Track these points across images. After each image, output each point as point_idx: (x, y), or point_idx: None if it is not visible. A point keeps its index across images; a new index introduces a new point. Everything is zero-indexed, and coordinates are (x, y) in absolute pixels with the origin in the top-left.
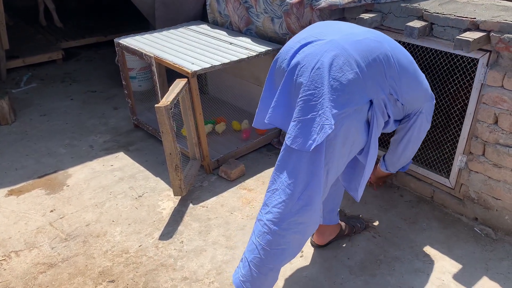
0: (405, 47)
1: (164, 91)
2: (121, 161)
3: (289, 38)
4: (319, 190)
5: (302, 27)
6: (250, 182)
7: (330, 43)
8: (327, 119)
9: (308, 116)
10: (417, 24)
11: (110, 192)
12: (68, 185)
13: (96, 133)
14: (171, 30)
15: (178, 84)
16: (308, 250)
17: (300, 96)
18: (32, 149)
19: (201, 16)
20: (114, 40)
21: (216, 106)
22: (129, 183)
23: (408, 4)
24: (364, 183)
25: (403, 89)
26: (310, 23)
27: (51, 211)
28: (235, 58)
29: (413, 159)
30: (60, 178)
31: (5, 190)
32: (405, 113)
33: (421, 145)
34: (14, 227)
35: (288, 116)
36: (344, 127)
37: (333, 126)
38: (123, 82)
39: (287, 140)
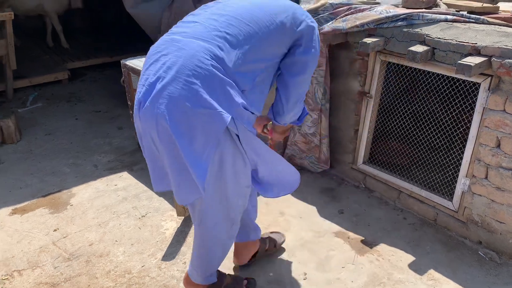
0: (408, 71)
1: None
2: (125, 180)
3: None
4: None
5: None
6: None
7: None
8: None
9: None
10: (419, 48)
11: (113, 212)
12: (72, 204)
13: (100, 153)
14: None
15: None
16: (311, 272)
17: None
18: (37, 167)
19: None
20: (121, 61)
21: None
22: (132, 203)
23: (410, 29)
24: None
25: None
26: None
27: (55, 230)
28: None
29: (416, 181)
30: (64, 197)
31: (9, 209)
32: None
33: (423, 167)
34: (17, 246)
35: None
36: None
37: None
38: (129, 103)
39: None
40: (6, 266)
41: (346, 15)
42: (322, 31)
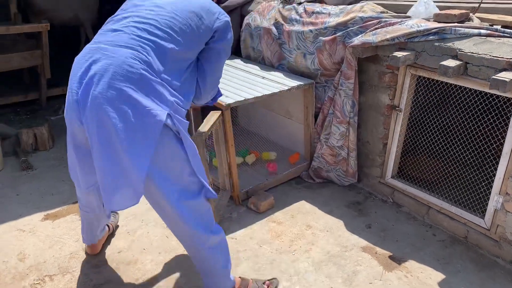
0: (439, 86)
1: (197, 122)
2: None
3: (321, 74)
4: None
5: (334, 63)
6: (279, 215)
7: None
8: None
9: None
10: (451, 63)
11: (141, 220)
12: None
13: None
14: None
15: (213, 116)
16: (338, 287)
17: None
18: (68, 175)
19: (234, 51)
20: None
21: (246, 137)
22: None
23: (442, 44)
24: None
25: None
26: (342, 60)
27: None
28: (267, 92)
29: (446, 197)
30: None
31: (42, 214)
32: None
33: (454, 183)
34: (49, 252)
35: None
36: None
37: None
38: None
39: None
40: (38, 270)
41: (376, 28)
42: (351, 44)
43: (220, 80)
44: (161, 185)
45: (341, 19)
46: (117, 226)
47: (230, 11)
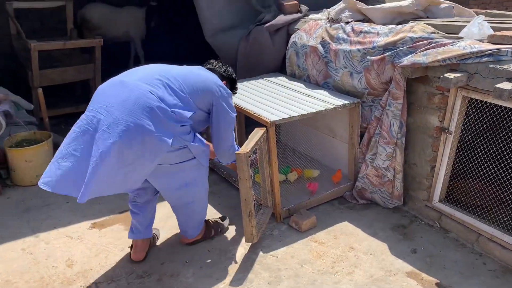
0: (493, 108)
1: (241, 138)
2: None
3: (368, 93)
4: None
5: (382, 83)
6: (321, 235)
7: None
8: None
9: None
10: (507, 86)
11: None
12: None
13: None
14: (251, 81)
15: (257, 133)
16: None
17: None
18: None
19: (279, 69)
20: None
21: (288, 154)
22: None
23: (497, 66)
24: None
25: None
26: (390, 80)
27: (129, 246)
28: (313, 110)
29: (498, 224)
30: None
31: (89, 223)
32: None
33: (507, 210)
34: (95, 259)
35: None
36: None
37: None
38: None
39: None
40: (84, 278)
41: (427, 49)
42: (401, 64)
43: (265, 97)
44: None
45: (390, 38)
46: (156, 240)
47: (277, 29)
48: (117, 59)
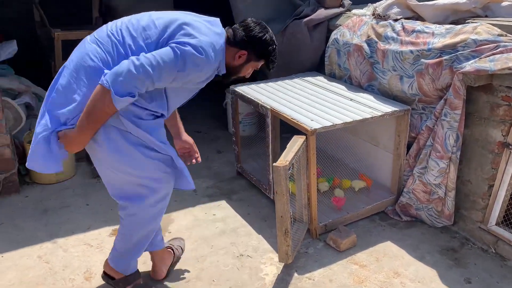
0: None
1: (275, 145)
2: (223, 211)
3: (419, 100)
4: None
5: (437, 90)
6: (362, 256)
7: None
8: None
9: None
10: None
11: (211, 246)
12: (170, 232)
13: (200, 177)
14: (286, 81)
15: (296, 142)
16: None
17: None
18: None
19: (317, 67)
20: (230, 87)
21: (324, 162)
22: (230, 238)
23: None
24: None
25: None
26: (447, 87)
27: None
28: (358, 117)
29: None
30: (163, 223)
31: (110, 229)
32: None
33: None
34: None
35: None
36: None
37: None
38: (233, 129)
39: None
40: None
41: (493, 54)
42: (462, 70)
43: (304, 99)
44: None
45: (448, 40)
46: (181, 252)
47: (316, 24)
48: None
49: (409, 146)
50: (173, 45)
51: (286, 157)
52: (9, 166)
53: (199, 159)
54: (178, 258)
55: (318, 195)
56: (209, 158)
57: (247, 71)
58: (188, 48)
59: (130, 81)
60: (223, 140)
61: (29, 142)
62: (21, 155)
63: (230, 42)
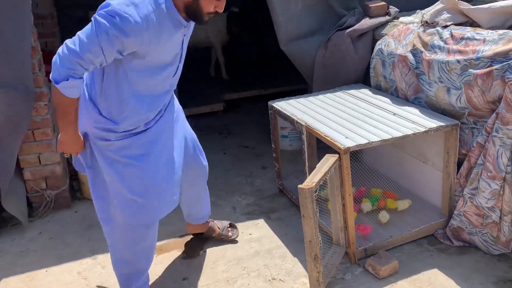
0: None
1: (312, 162)
2: (260, 230)
3: (469, 113)
4: None
5: (488, 102)
6: (403, 284)
7: None
8: None
9: None
10: None
11: (244, 268)
12: (205, 251)
13: (241, 193)
14: (328, 94)
15: (328, 161)
16: None
17: None
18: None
19: (362, 79)
20: (268, 103)
21: (371, 178)
22: (264, 260)
23: None
24: None
25: None
26: (499, 100)
27: (184, 279)
28: (398, 134)
29: None
30: (198, 241)
31: None
32: None
33: None
34: None
35: None
36: None
37: None
38: (272, 145)
39: None
40: None
41: None
42: None
43: (343, 114)
44: None
45: (500, 47)
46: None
47: (360, 34)
48: (199, 65)
49: (460, 164)
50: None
51: (313, 179)
52: (60, 183)
53: None
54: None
55: (361, 216)
56: (253, 174)
57: (211, 4)
58: (103, 15)
59: (62, 65)
60: (269, 156)
61: None
62: (74, 171)
63: None
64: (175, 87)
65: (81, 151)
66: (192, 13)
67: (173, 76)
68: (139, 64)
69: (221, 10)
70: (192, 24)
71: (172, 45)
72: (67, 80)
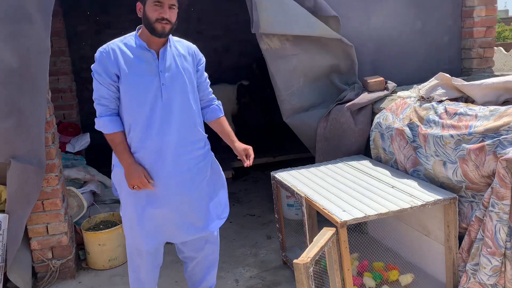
0: None
1: (312, 234)
2: None
3: (466, 187)
4: None
5: (483, 177)
6: None
7: None
8: None
9: None
10: None
11: None
12: None
13: (244, 265)
14: (329, 165)
15: (325, 235)
16: None
17: None
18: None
19: (363, 151)
20: (271, 173)
21: (375, 250)
22: None
23: None
24: None
25: None
26: (493, 173)
27: None
28: (396, 208)
29: None
30: None
31: None
32: None
33: None
34: None
35: None
36: None
37: None
38: (276, 216)
39: None
40: None
41: None
42: (505, 156)
43: (342, 187)
44: None
45: (491, 123)
46: None
47: (360, 108)
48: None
49: (461, 238)
50: None
51: (309, 253)
52: (66, 253)
53: (248, 163)
54: None
55: None
56: (257, 244)
57: (154, 12)
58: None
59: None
60: (275, 225)
61: (87, 229)
62: (80, 241)
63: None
64: (173, 114)
65: (143, 181)
66: (148, 27)
67: (161, 97)
68: (124, 81)
69: (166, 15)
70: (168, 47)
71: (145, 62)
72: (96, 119)
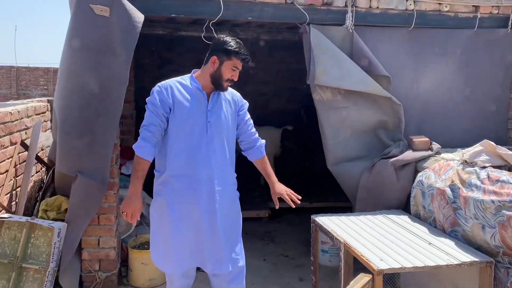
0: None
1: (348, 280)
2: None
3: (503, 253)
4: None
5: None
6: None
7: None
8: None
9: None
10: None
11: None
12: None
13: None
14: (369, 216)
15: (361, 280)
16: None
17: None
18: None
19: (403, 206)
20: (311, 216)
21: None
22: None
23: None
24: None
25: None
26: None
27: None
28: (431, 263)
29: None
30: None
31: None
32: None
33: None
34: None
35: None
36: None
37: None
38: (311, 258)
39: None
40: None
41: None
42: None
43: (380, 237)
44: None
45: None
46: None
47: (403, 165)
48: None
49: None
50: None
51: None
52: (111, 267)
53: (295, 202)
54: None
55: None
56: (289, 284)
57: (229, 73)
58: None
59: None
60: (308, 268)
61: (133, 247)
62: (125, 257)
63: (203, 64)
64: (214, 150)
65: (134, 215)
66: (216, 81)
67: (206, 132)
68: (176, 112)
69: (236, 79)
70: (220, 93)
71: (197, 100)
72: (140, 140)
